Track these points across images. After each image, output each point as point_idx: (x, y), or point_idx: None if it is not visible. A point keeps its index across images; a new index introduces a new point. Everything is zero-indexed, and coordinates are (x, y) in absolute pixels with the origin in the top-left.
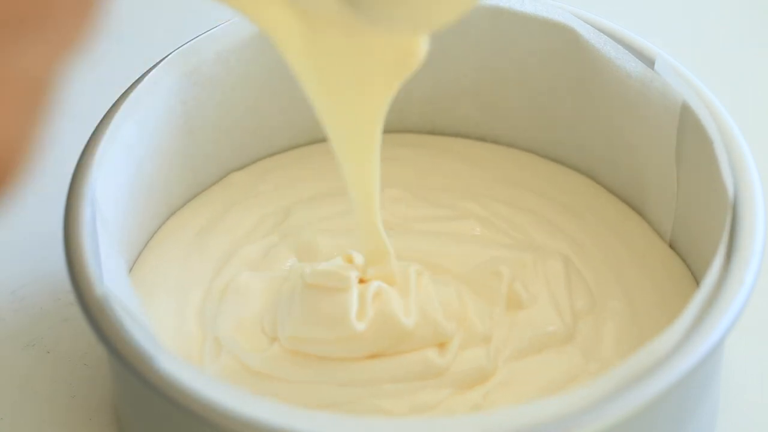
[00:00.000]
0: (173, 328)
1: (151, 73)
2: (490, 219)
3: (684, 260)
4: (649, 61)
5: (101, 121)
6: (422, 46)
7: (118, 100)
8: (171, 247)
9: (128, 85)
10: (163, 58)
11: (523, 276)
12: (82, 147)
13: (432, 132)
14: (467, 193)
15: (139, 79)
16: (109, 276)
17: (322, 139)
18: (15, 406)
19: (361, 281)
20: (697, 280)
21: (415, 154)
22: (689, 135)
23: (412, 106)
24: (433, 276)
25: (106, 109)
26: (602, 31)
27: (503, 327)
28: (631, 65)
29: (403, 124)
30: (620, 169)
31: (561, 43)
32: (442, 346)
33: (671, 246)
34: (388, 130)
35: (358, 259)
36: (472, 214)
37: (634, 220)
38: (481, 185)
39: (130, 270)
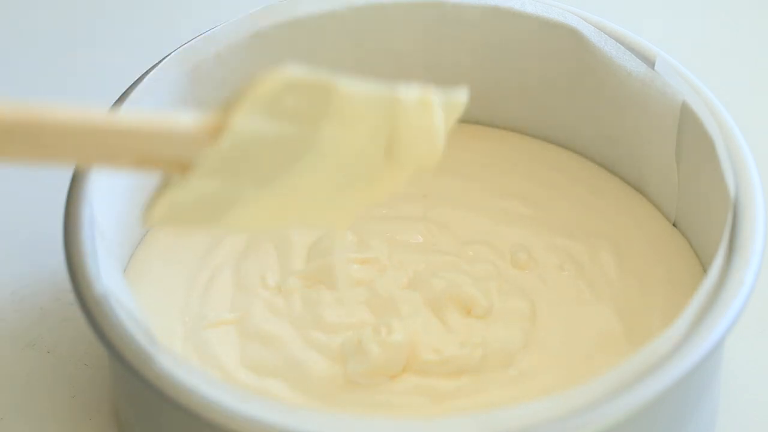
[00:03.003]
0: (158, 325)
1: (151, 73)
2: (524, 196)
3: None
4: (649, 61)
5: None
6: None
7: (118, 99)
8: (162, 239)
9: (128, 85)
10: (163, 58)
11: (583, 271)
12: None
13: None
14: (492, 168)
15: (139, 79)
16: (108, 275)
17: None
18: (15, 406)
19: None
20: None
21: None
22: (690, 134)
23: None
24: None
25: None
26: (603, 30)
27: (569, 333)
28: (632, 65)
29: None
30: (622, 167)
31: (561, 43)
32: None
33: (675, 225)
34: None
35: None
36: (507, 191)
37: (643, 205)
38: (497, 161)
39: (127, 267)
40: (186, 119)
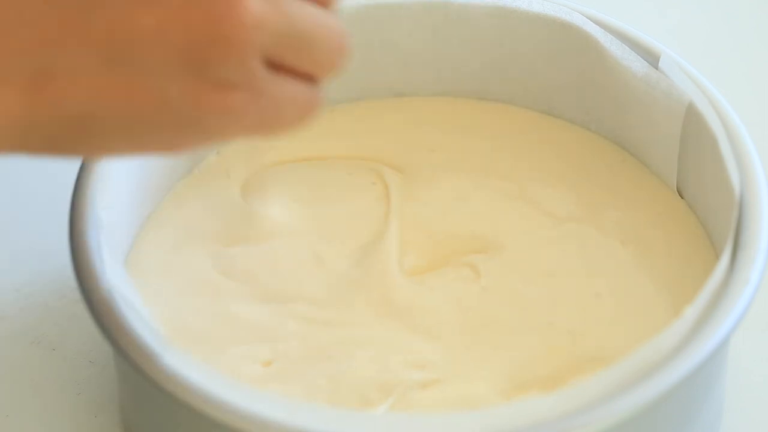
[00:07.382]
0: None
1: None
2: (527, 180)
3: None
4: (654, 60)
5: None
6: None
7: None
8: (163, 232)
9: None
10: None
11: (596, 253)
12: None
13: None
14: (494, 154)
15: None
16: (113, 272)
17: None
18: (21, 403)
19: None
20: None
21: (433, 120)
22: (694, 133)
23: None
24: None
25: None
26: (609, 30)
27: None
28: (637, 64)
29: None
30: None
31: (568, 43)
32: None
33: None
34: None
35: None
36: (512, 176)
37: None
38: (500, 147)
39: (127, 259)
40: None
